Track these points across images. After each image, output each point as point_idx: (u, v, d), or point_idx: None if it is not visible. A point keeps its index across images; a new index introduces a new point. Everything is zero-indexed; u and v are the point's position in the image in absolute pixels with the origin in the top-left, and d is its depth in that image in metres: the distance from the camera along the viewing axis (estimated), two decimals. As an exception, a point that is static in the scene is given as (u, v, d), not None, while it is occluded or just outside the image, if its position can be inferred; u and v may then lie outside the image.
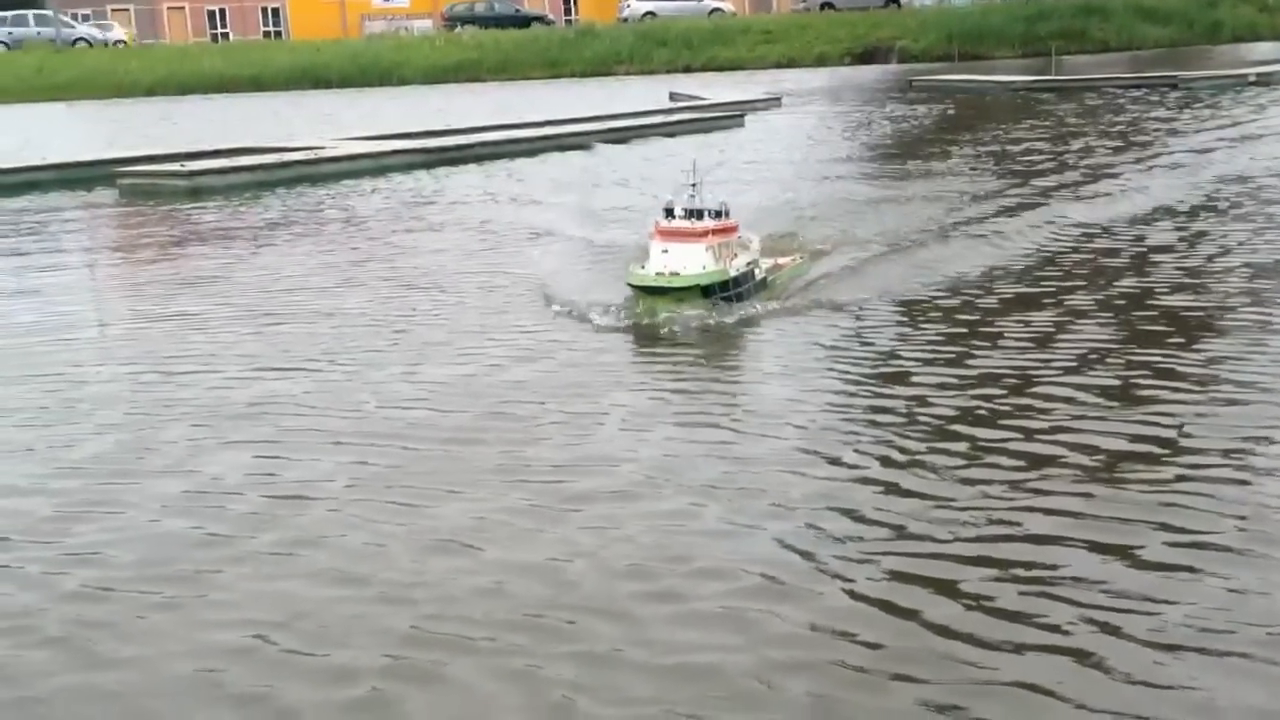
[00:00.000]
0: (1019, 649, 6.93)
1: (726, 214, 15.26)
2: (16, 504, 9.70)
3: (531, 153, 35.05)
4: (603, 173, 29.71)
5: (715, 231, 14.79)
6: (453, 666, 6.99)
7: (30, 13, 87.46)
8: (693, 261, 14.35)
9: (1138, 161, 26.59)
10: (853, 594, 7.63)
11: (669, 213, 14.93)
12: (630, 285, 14.48)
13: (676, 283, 14.21)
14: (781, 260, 16.85)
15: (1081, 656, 6.82)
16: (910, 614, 7.35)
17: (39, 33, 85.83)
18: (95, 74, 74.29)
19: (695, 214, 14.81)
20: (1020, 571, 7.84)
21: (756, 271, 15.50)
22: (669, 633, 7.27)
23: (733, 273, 14.77)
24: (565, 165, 32.38)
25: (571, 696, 6.64)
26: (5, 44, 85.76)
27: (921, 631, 7.16)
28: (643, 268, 14.55)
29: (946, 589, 7.63)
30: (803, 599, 7.58)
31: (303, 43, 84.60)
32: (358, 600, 7.87)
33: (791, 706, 6.50)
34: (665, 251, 14.45)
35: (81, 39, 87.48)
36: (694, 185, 15.06)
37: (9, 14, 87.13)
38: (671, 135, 38.79)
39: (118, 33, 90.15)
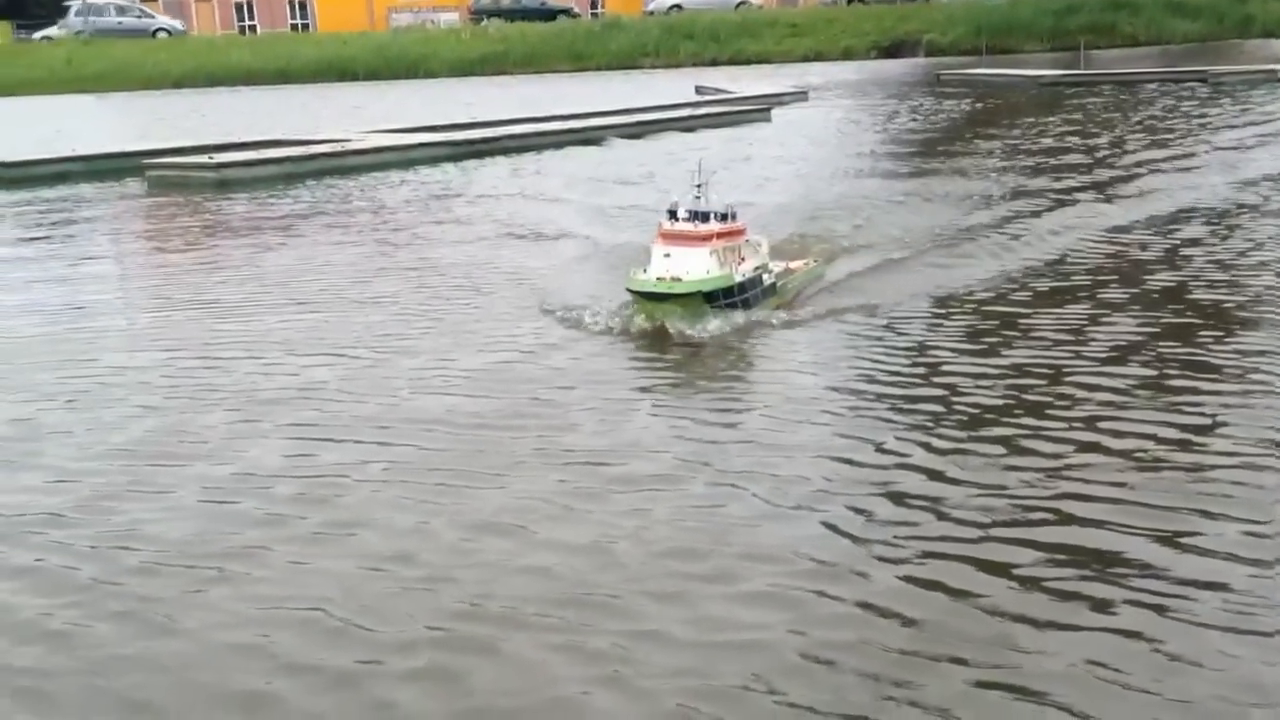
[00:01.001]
0: (1067, 629, 7.00)
1: (733, 216, 14.52)
2: (66, 485, 9.85)
3: (558, 145, 35.11)
4: (628, 167, 29.73)
5: (720, 235, 14.09)
6: (507, 641, 7.10)
7: (111, 3, 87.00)
8: (696, 266, 13.65)
9: (1169, 158, 26.41)
10: (900, 576, 7.71)
11: (673, 214, 14.24)
12: (629, 291, 13.78)
13: (678, 288, 13.50)
14: (793, 264, 16.12)
15: (1129, 636, 6.90)
16: (959, 595, 7.43)
17: (120, 22, 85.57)
18: (124, 66, 74.70)
19: (700, 216, 14.12)
20: (1063, 555, 7.90)
21: (765, 277, 14.77)
22: (718, 610, 7.37)
23: (738, 278, 14.04)
24: (590, 159, 32.43)
25: (621, 670, 6.75)
26: (87, 34, 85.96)
27: (970, 612, 7.23)
28: (644, 272, 13.86)
29: (993, 571, 7.71)
30: (851, 580, 7.67)
31: (329, 35, 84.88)
32: (406, 578, 7.99)
33: (840, 684, 6.58)
34: (667, 255, 13.78)
35: (162, 29, 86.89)
36: (699, 186, 14.37)
37: (90, 3, 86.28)
38: (697, 129, 38.85)
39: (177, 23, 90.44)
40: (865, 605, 7.36)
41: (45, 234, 23.83)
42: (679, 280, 13.50)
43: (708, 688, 6.57)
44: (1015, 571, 7.71)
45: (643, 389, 11.87)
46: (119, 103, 63.32)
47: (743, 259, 14.54)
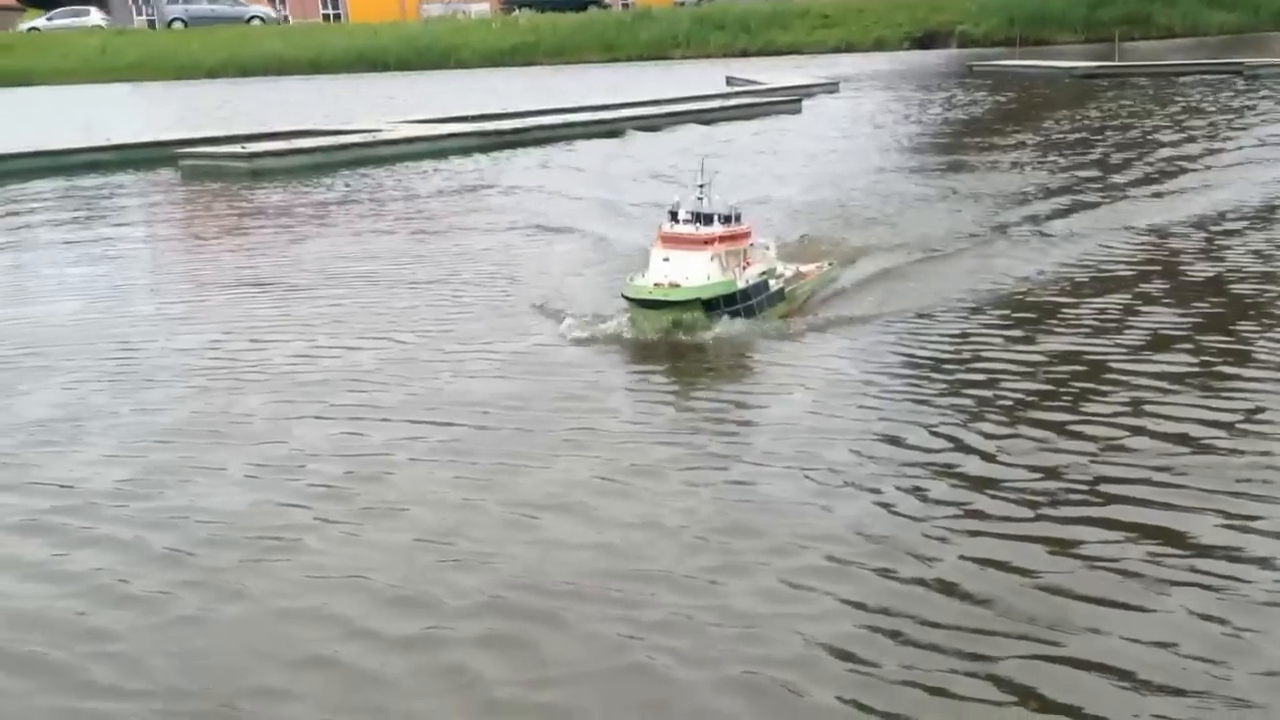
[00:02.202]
0: (1128, 608, 7.05)
1: (737, 218, 13.68)
2: (123, 462, 10.00)
3: (588, 136, 35.16)
4: (656, 159, 29.72)
5: (723, 238, 13.24)
6: (568, 611, 7.22)
7: None
8: (696, 272, 12.84)
9: (1205, 152, 26.19)
10: (957, 554, 7.76)
11: (673, 215, 13.41)
12: (624, 298, 13.04)
13: (674, 295, 12.71)
14: (805, 268, 15.27)
15: (1189, 615, 6.95)
16: (1017, 572, 7.49)
17: (214, 10, 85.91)
18: (158, 55, 75.26)
19: (703, 218, 13.29)
20: (1115, 535, 7.95)
21: (771, 282, 13.93)
22: (776, 584, 7.46)
23: (741, 284, 13.21)
24: (619, 150, 32.41)
25: (684, 640, 6.83)
26: (183, 20, 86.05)
27: (1029, 590, 7.30)
28: (642, 277, 13.12)
29: (1049, 550, 7.77)
30: (907, 557, 7.74)
31: (361, 25, 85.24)
32: (461, 551, 8.11)
33: (903, 656, 6.66)
34: (666, 260, 12.96)
35: (256, 17, 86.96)
36: (701, 186, 13.54)
37: None
38: (728, 121, 38.80)
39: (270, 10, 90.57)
40: (923, 581, 7.42)
41: (84, 222, 24.08)
42: (677, 286, 12.74)
43: (771, 656, 6.66)
44: (1071, 551, 7.77)
45: (682, 373, 11.93)
46: (153, 92, 63.77)
47: (748, 263, 13.73)
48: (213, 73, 72.45)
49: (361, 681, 6.65)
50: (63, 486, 9.53)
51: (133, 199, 27.77)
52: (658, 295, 12.68)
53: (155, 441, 10.52)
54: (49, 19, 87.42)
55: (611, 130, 36.20)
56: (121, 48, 77.01)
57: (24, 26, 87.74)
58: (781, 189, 22.16)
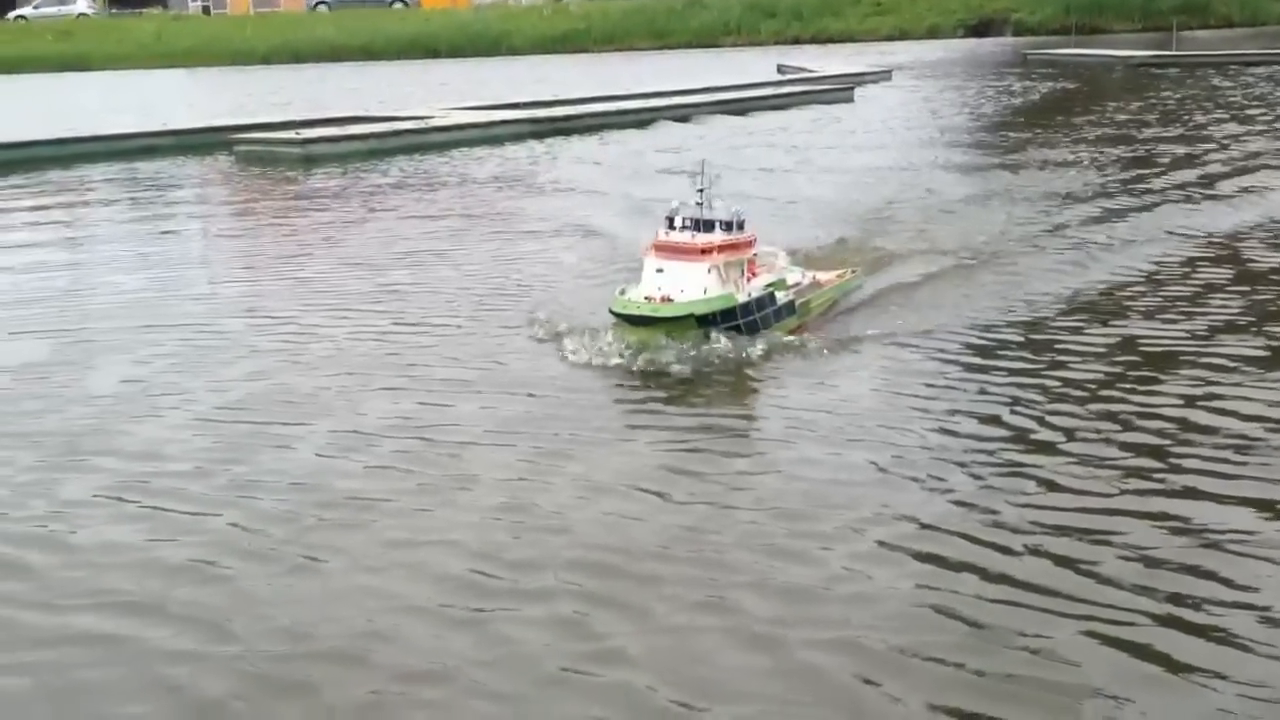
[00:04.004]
0: (1199, 605, 7.01)
1: (740, 225, 12.55)
2: (192, 439, 10.18)
3: (639, 124, 35.15)
4: (707, 146, 29.65)
5: (723, 247, 12.14)
6: (637, 586, 7.33)
7: None
8: (691, 284, 11.80)
9: (1267, 149, 25.65)
10: (1023, 542, 7.78)
11: (671, 222, 12.37)
12: (612, 313, 11.96)
13: (664, 311, 11.66)
14: (824, 276, 14.08)
15: (1260, 609, 6.91)
16: (1084, 559, 7.50)
17: None
18: (213, 41, 76.11)
19: (702, 225, 12.23)
20: (1177, 523, 7.96)
21: (780, 295, 12.78)
22: (843, 566, 7.52)
23: (742, 298, 12.13)
24: (671, 137, 32.36)
25: (751, 623, 6.88)
26: (327, 4, 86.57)
27: (1094, 572, 7.32)
28: (635, 289, 12.09)
29: (1110, 538, 7.78)
30: (973, 542, 7.78)
31: (413, 11, 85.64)
32: (529, 529, 8.20)
33: (963, 631, 6.76)
34: (660, 271, 11.94)
35: (400, 1, 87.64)
36: (701, 190, 12.43)
37: None
38: (778, 109, 38.65)
39: None
40: (989, 565, 7.47)
41: (142, 205, 24.43)
42: (670, 301, 11.74)
43: (843, 640, 6.72)
44: (1131, 537, 7.79)
45: (745, 357, 11.76)
46: (209, 77, 64.46)
47: (753, 274, 12.71)
48: (267, 58, 73.11)
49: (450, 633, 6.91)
50: (147, 455, 9.79)
51: (189, 183, 28.15)
52: (646, 311, 11.64)
53: (229, 413, 10.75)
54: (35, 7, 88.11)
55: (667, 117, 36.08)
56: (177, 33, 77.88)
57: (12, 15, 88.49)
58: (817, 188, 21.91)
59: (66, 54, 72.95)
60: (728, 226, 12.07)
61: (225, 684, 6.49)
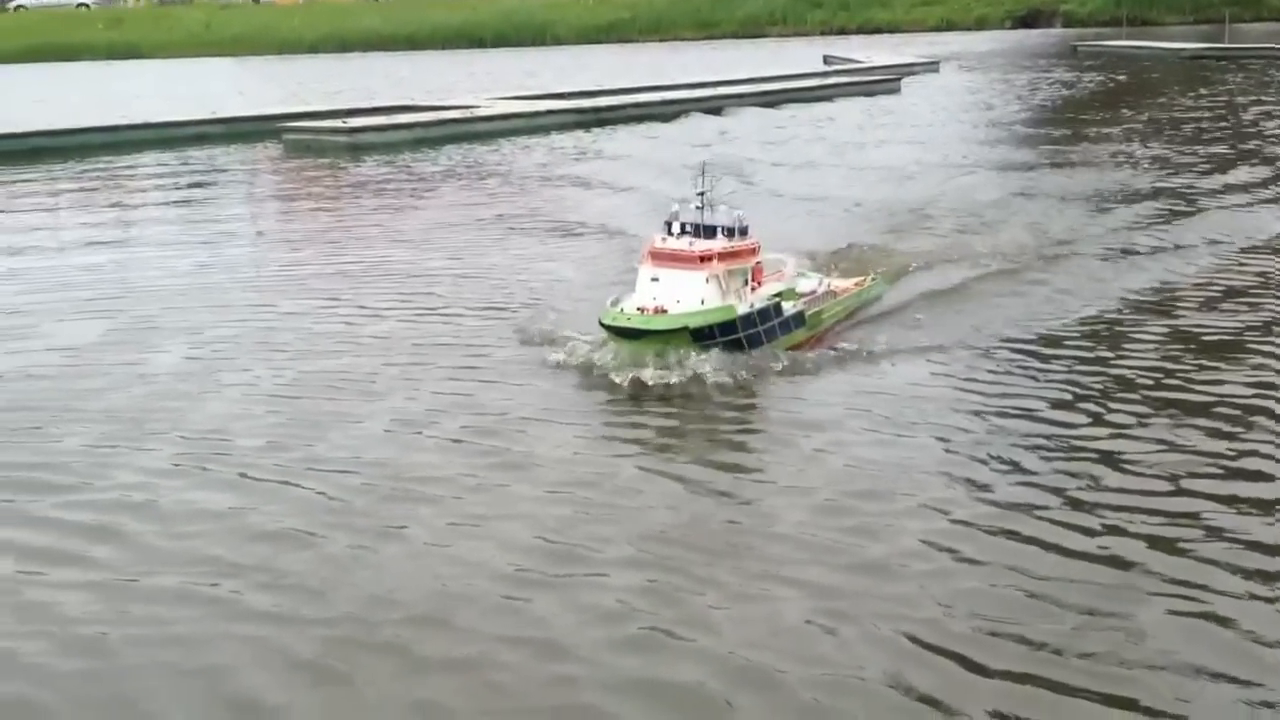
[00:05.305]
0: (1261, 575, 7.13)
1: (743, 231, 11.86)
2: (259, 416, 10.39)
3: (684, 114, 35.10)
4: (755, 135, 29.55)
5: (723, 255, 11.45)
6: (708, 566, 7.43)
7: None
8: (688, 295, 11.14)
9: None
10: (1094, 523, 7.84)
11: (669, 228, 11.70)
12: (601, 325, 11.30)
13: (656, 324, 10.95)
14: (840, 284, 13.42)
15: None
16: (1152, 541, 7.57)
17: None
18: (261, 30, 76.66)
19: (702, 231, 11.58)
20: (1243, 508, 7.99)
21: (786, 306, 12.02)
22: (915, 545, 7.60)
23: (743, 309, 11.41)
24: (716, 127, 32.32)
25: (831, 600, 6.97)
26: None
27: (1161, 556, 7.37)
28: (628, 300, 11.39)
29: (1181, 521, 7.83)
30: (1041, 523, 7.84)
31: (459, 0, 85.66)
32: (596, 505, 8.34)
33: (1041, 609, 6.85)
34: (655, 280, 11.29)
35: None
36: (701, 194, 11.80)
37: None
38: (825, 100, 38.48)
39: None
40: (1062, 547, 7.52)
41: (194, 191, 24.77)
42: (663, 312, 11.05)
43: (916, 616, 6.81)
44: (1206, 518, 7.87)
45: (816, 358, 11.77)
46: (257, 66, 64.94)
47: (759, 283, 11.96)
48: (314, 47, 73.60)
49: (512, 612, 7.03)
50: (217, 430, 10.00)
51: (239, 171, 28.43)
52: (637, 323, 11.00)
53: (293, 391, 10.95)
54: None
55: (710, 108, 36.05)
56: (226, 22, 78.50)
57: (11, 6, 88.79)
58: (852, 187, 21.62)
59: (116, 42, 73.71)
60: (729, 232, 11.41)
61: (315, 645, 6.75)
